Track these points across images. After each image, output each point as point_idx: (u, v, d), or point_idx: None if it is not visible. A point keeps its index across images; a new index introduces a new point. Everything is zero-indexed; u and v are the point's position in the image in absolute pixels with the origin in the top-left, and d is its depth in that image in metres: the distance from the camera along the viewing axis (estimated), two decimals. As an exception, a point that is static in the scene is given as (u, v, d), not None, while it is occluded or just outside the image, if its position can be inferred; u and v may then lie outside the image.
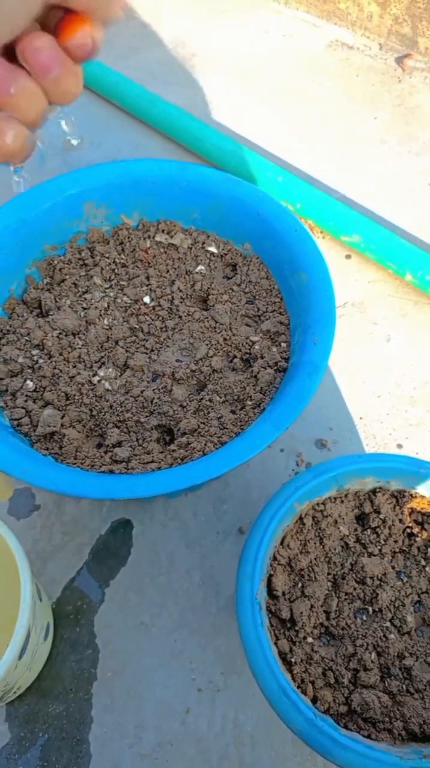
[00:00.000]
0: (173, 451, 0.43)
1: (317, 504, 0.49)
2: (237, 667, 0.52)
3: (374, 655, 0.44)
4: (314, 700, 0.42)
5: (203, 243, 0.54)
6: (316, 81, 0.95)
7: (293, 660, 0.43)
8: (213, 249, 0.54)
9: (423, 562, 0.48)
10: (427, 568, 0.48)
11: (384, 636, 0.44)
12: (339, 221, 0.75)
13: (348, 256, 0.77)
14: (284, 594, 0.46)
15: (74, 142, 0.86)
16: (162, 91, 0.89)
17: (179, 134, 0.84)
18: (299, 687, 0.42)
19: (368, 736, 0.40)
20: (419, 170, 0.84)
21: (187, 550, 0.58)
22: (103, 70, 0.90)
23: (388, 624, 0.45)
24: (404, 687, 0.43)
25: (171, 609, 0.55)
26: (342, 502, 0.49)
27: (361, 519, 0.50)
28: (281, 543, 0.47)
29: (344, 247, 0.77)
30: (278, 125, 0.89)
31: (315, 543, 0.48)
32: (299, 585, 0.46)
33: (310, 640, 0.44)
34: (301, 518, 0.48)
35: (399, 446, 0.64)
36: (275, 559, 0.46)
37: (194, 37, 1.02)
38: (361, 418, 0.65)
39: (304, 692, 0.42)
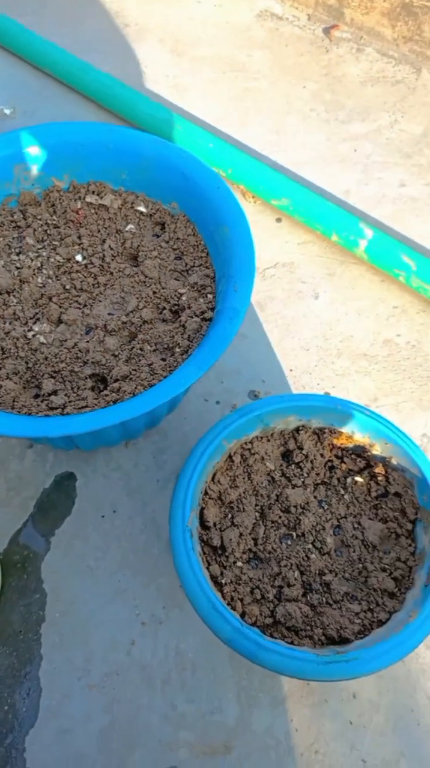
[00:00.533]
0: (106, 395, 0.46)
1: (245, 443, 0.52)
2: (178, 601, 0.56)
3: (297, 573, 0.48)
4: (243, 615, 0.46)
5: (133, 203, 0.57)
6: (247, 51, 0.97)
7: (223, 582, 0.47)
8: (142, 209, 0.56)
9: (342, 492, 0.52)
10: (345, 497, 0.52)
11: (306, 556, 0.49)
12: (269, 185, 0.78)
13: (279, 220, 0.81)
14: (215, 524, 0.49)
15: (7, 111, 0.86)
16: (96, 61, 0.90)
17: (113, 103, 0.85)
18: (229, 604, 0.46)
19: (292, 643, 0.45)
20: (345, 137, 0.88)
21: (128, 499, 0.61)
22: (37, 40, 0.90)
23: (310, 546, 0.49)
24: (324, 599, 0.47)
25: (115, 552, 0.58)
26: (268, 440, 0.53)
27: (286, 456, 0.54)
28: (212, 479, 0.51)
29: (275, 211, 0.81)
30: (210, 94, 0.91)
31: (243, 478, 0.51)
32: (229, 516, 0.50)
33: (239, 564, 0.48)
34: (230, 456, 0.52)
35: (326, 394, 0.68)
36: (206, 493, 0.50)
37: (128, 7, 1.02)
38: (291, 370, 0.70)
39: (233, 608, 0.46)
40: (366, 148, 0.87)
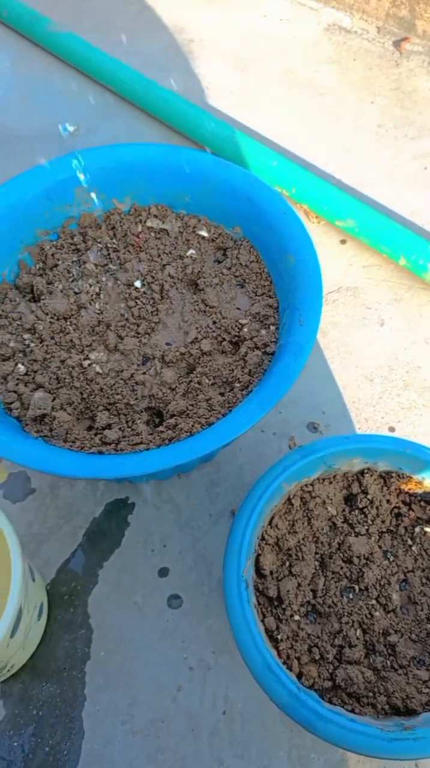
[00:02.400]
0: (161, 432, 0.44)
1: (306, 485, 0.49)
2: (228, 647, 0.53)
3: (359, 632, 0.44)
4: (300, 676, 0.42)
5: (194, 227, 0.55)
6: (314, 65, 0.94)
7: (279, 637, 0.44)
8: (204, 233, 0.54)
9: (409, 542, 0.48)
10: (413, 548, 0.48)
11: (369, 614, 0.45)
12: (334, 206, 0.75)
13: (343, 241, 0.77)
14: (271, 573, 0.46)
15: (71, 128, 0.86)
16: (159, 77, 0.89)
17: (176, 120, 0.84)
18: (284, 663, 0.43)
19: (352, 711, 0.41)
20: (415, 155, 0.84)
21: (179, 532, 0.58)
22: (100, 56, 0.90)
23: (373, 602, 0.46)
24: (388, 663, 0.43)
25: (163, 589, 0.56)
26: (330, 483, 0.50)
27: (349, 500, 0.51)
28: (270, 523, 0.48)
29: (339, 232, 0.77)
30: (275, 110, 0.89)
31: (303, 523, 0.48)
32: (287, 564, 0.47)
33: (296, 617, 0.45)
34: (289, 499, 0.49)
35: (391, 429, 0.64)
36: (263, 539, 0.47)
37: (192, 22, 1.01)
38: (353, 402, 0.66)
39: (289, 668, 0.42)
40: (438, 166, 0.83)
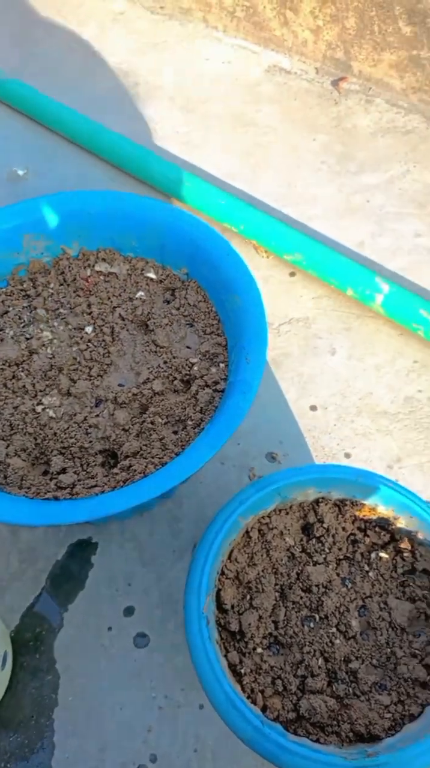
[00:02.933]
0: (116, 474, 0.44)
1: (263, 517, 0.50)
2: (196, 683, 0.53)
3: (321, 660, 0.45)
4: (264, 709, 0.43)
5: (142, 269, 0.56)
6: (256, 105, 0.98)
7: (242, 671, 0.44)
8: (152, 275, 0.56)
9: (366, 568, 0.50)
10: (370, 573, 0.49)
11: (330, 642, 0.46)
12: (281, 241, 0.77)
13: (292, 274, 0.80)
14: (233, 607, 0.47)
15: (20, 172, 0.87)
16: (107, 121, 0.91)
17: (124, 162, 0.86)
18: (248, 697, 0.43)
19: (317, 740, 0.42)
20: (357, 189, 0.88)
21: (144, 570, 0.58)
22: (47, 101, 0.91)
23: (334, 630, 0.47)
24: (350, 690, 0.44)
25: (129, 629, 0.56)
26: (287, 513, 0.51)
27: (306, 529, 0.52)
28: (229, 557, 0.48)
29: (288, 266, 0.80)
30: (221, 150, 0.92)
31: (262, 555, 0.49)
32: (248, 597, 0.48)
33: (259, 650, 0.45)
34: (247, 532, 0.49)
35: (347, 455, 0.66)
36: (223, 573, 0.48)
37: (138, 67, 1.04)
38: (309, 430, 0.67)
39: (254, 702, 0.43)
40: (379, 199, 0.86)
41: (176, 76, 1.03)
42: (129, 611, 0.56)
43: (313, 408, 0.69)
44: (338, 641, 0.46)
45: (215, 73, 1.03)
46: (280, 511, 0.51)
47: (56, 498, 0.43)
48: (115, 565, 0.59)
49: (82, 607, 0.57)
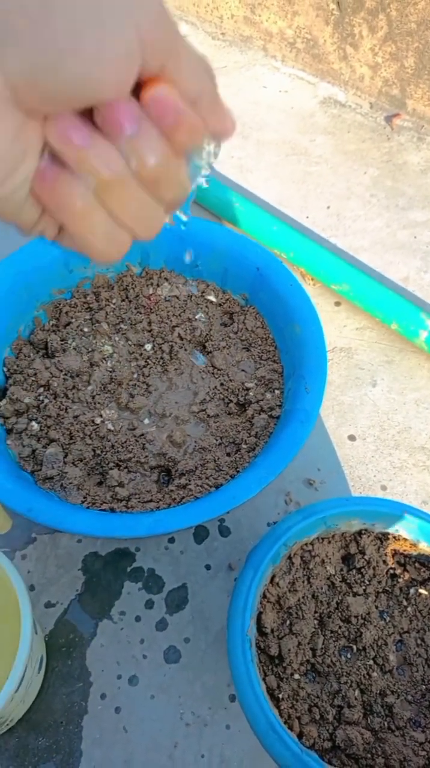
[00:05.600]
0: (171, 491, 0.46)
1: (306, 544, 0.51)
2: (224, 702, 0.54)
3: (357, 692, 0.46)
4: (300, 736, 0.43)
5: (203, 292, 0.58)
6: (310, 135, 1.00)
7: (280, 696, 0.45)
8: (212, 298, 0.57)
9: (405, 603, 0.50)
10: (408, 609, 0.50)
11: (367, 674, 0.46)
12: (329, 270, 0.78)
13: (337, 303, 0.81)
14: (272, 631, 0.48)
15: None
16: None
17: (179, 182, 0.88)
18: (286, 722, 0.44)
19: (351, 772, 0.42)
20: (405, 224, 0.89)
21: (178, 584, 0.59)
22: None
23: (371, 662, 0.47)
24: (385, 724, 0.45)
25: (161, 643, 0.56)
26: (329, 542, 0.52)
27: (347, 559, 0.52)
28: (271, 581, 0.49)
29: (334, 295, 0.81)
30: (273, 177, 0.94)
31: (303, 582, 0.50)
32: (287, 622, 0.48)
33: (297, 676, 0.46)
34: (290, 557, 0.50)
35: (383, 488, 0.67)
36: (264, 597, 0.48)
37: (195, 89, 1.07)
38: (347, 459, 0.68)
39: (290, 728, 0.43)
40: (426, 236, 0.88)
41: (233, 101, 1.05)
42: (162, 625, 0.57)
43: (351, 438, 0.70)
44: (375, 674, 0.46)
45: (272, 100, 1.05)
46: (322, 539, 0.52)
47: (112, 510, 0.44)
48: (150, 578, 0.60)
49: (116, 616, 0.58)
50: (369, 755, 0.43)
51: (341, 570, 0.52)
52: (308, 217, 0.89)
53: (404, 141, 1.00)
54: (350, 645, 0.48)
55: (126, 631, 0.57)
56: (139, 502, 0.45)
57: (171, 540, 0.62)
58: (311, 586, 0.50)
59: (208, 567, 0.61)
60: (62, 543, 0.61)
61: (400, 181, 0.94)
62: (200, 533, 0.62)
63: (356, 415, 0.72)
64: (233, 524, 0.63)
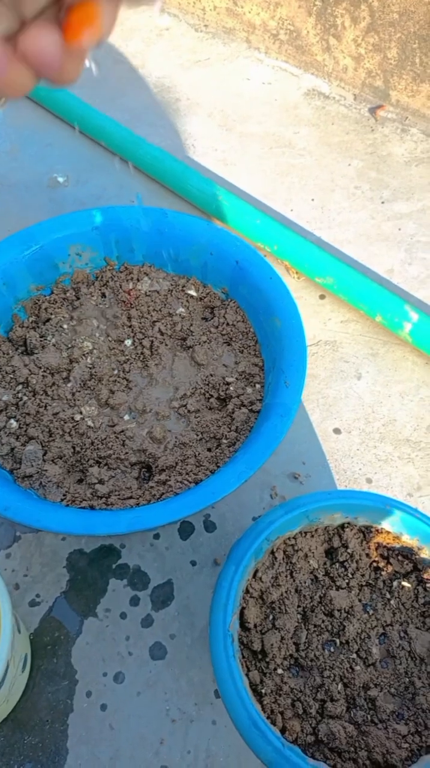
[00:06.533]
0: (152, 488, 0.45)
1: (289, 538, 0.51)
2: (210, 698, 0.54)
3: (340, 686, 0.46)
4: (283, 731, 0.43)
5: (183, 286, 0.57)
6: (294, 127, 1.00)
7: (263, 691, 0.45)
8: (192, 292, 0.57)
9: (388, 596, 0.50)
10: (391, 602, 0.50)
11: (350, 667, 0.46)
12: (314, 263, 0.78)
13: (322, 297, 0.81)
14: (255, 626, 0.47)
15: (61, 179, 0.89)
16: (147, 134, 0.93)
17: (162, 176, 0.87)
18: (268, 717, 0.44)
19: (334, 766, 0.42)
20: (390, 216, 0.89)
21: (163, 581, 0.59)
22: (91, 112, 0.93)
23: (354, 656, 0.47)
24: (368, 717, 0.45)
25: (147, 640, 0.56)
26: (312, 536, 0.52)
27: (330, 553, 0.52)
28: (254, 576, 0.49)
29: (319, 288, 0.81)
30: (257, 170, 0.93)
31: (286, 576, 0.50)
32: (270, 617, 0.48)
33: (280, 671, 0.46)
34: (273, 552, 0.50)
35: (369, 481, 0.67)
36: (247, 592, 0.48)
37: (179, 82, 1.06)
38: (332, 453, 0.68)
39: (273, 723, 0.43)
40: (410, 227, 0.87)
41: (217, 93, 1.04)
42: (148, 622, 0.57)
43: (336, 431, 0.70)
44: (358, 668, 0.46)
45: (255, 93, 1.05)
46: (305, 533, 0.51)
47: (92, 507, 0.44)
48: (135, 575, 0.59)
49: (101, 613, 0.57)
50: (352, 749, 0.43)
51: (325, 564, 0.52)
52: (292, 210, 0.89)
53: (388, 132, 1.00)
54: (334, 639, 0.48)
55: (111, 628, 0.57)
56: (119, 498, 0.44)
57: (156, 536, 0.62)
58: (294, 581, 0.50)
59: (193, 563, 0.60)
60: (47, 541, 0.61)
61: (384, 172, 0.94)
62: (186, 529, 0.62)
63: (341, 408, 0.71)
64: (219, 519, 0.63)
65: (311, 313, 0.79)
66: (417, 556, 0.51)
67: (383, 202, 0.91)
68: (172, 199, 0.88)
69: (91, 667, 0.55)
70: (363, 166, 0.95)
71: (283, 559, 0.50)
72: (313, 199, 0.90)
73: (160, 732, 0.52)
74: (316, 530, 0.52)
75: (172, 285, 0.57)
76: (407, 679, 0.47)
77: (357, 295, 0.76)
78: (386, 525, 0.51)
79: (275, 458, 0.67)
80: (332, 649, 0.48)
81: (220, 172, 0.92)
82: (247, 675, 0.45)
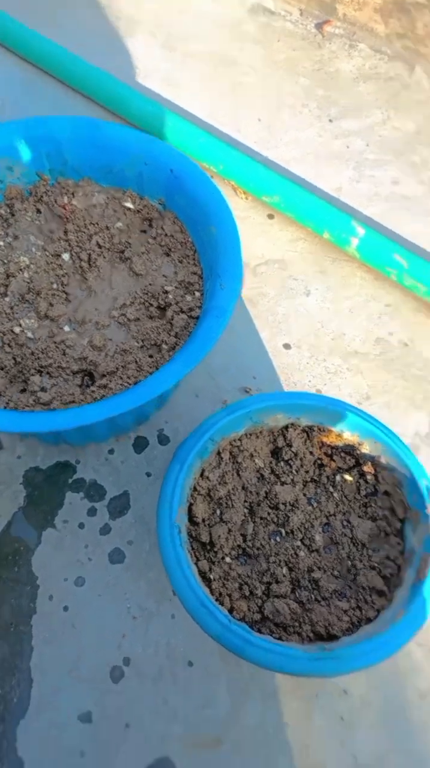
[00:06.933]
0: (93, 392, 0.46)
1: (234, 440, 0.53)
2: (168, 594, 0.56)
3: (285, 569, 0.48)
4: (231, 611, 0.46)
5: (120, 199, 0.57)
6: (239, 45, 0.97)
7: (212, 577, 0.47)
8: (129, 205, 0.56)
9: (331, 490, 0.53)
10: (335, 495, 0.52)
11: (295, 554, 0.49)
12: (260, 182, 0.78)
13: (270, 216, 0.81)
14: (203, 521, 0.50)
15: (-2, 106, 0.86)
16: (86, 54, 0.89)
17: (103, 97, 0.85)
18: (217, 600, 0.46)
19: (279, 638, 0.45)
20: (338, 134, 0.88)
21: (119, 493, 0.61)
22: (25, 32, 0.89)
23: (299, 543, 0.50)
24: (312, 596, 0.48)
25: (105, 546, 0.58)
26: (257, 437, 0.53)
27: (275, 453, 0.54)
28: (201, 476, 0.51)
29: (267, 207, 0.81)
30: (201, 89, 0.91)
31: (232, 475, 0.52)
32: (218, 512, 0.50)
33: (228, 560, 0.48)
34: (219, 453, 0.52)
35: (318, 392, 0.68)
36: (195, 490, 0.50)
37: (120, 1, 1.02)
38: (283, 367, 0.70)
39: (222, 604, 0.46)
40: (358, 145, 0.87)
41: (158, 11, 1.00)
42: (105, 530, 0.59)
43: (286, 346, 0.71)
44: (302, 553, 0.49)
45: (198, 10, 1.01)
46: (250, 435, 0.53)
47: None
48: (92, 488, 0.61)
49: (59, 525, 0.59)
50: (297, 624, 0.46)
51: (270, 463, 0.54)
52: (239, 131, 0.88)
53: (335, 49, 0.98)
54: (279, 529, 0.51)
55: (70, 537, 0.59)
56: (61, 404, 0.45)
57: (111, 451, 0.63)
58: (240, 479, 0.52)
59: (148, 474, 0.62)
60: (2, 459, 0.62)
61: (332, 89, 0.93)
62: (140, 443, 0.64)
63: (291, 324, 0.73)
64: (172, 433, 0.64)
65: (260, 233, 0.79)
66: (358, 452, 0.53)
67: (331, 120, 0.90)
68: (114, 120, 0.86)
69: (51, 573, 0.57)
70: (310, 84, 0.93)
71: (229, 459, 0.52)
72: (260, 119, 0.89)
73: (122, 628, 0.55)
74: (261, 432, 0.54)
75: (108, 198, 0.57)
76: (349, 563, 0.49)
77: (304, 213, 0.76)
78: (327, 424, 0.53)
79: (226, 374, 0.69)
80: (277, 539, 0.50)
81: (164, 93, 0.90)
82: (196, 564, 0.47)
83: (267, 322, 0.73)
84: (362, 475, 0.53)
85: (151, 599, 0.56)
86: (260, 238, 0.78)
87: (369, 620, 0.47)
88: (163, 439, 0.64)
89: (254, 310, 0.73)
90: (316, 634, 0.46)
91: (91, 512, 0.60)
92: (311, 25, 1.00)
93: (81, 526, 0.59)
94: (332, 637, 0.46)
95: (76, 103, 0.88)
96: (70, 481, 0.61)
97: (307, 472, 0.53)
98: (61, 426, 0.40)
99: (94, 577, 0.57)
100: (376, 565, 0.49)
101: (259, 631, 0.46)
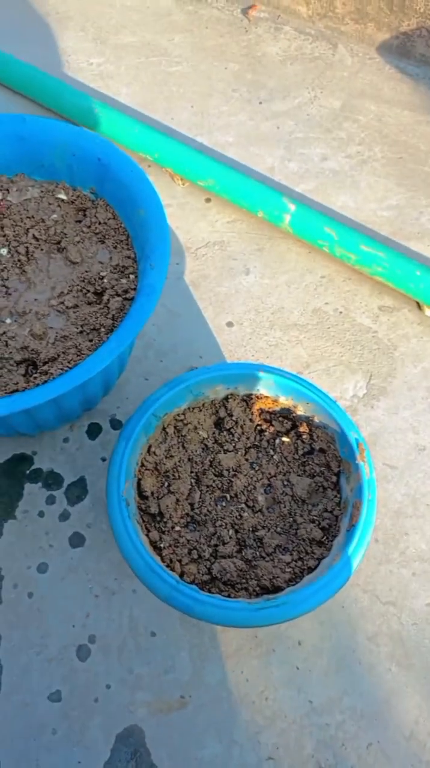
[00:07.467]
0: (35, 378, 0.48)
1: (178, 414, 0.55)
2: (129, 572, 0.58)
3: (231, 531, 0.51)
4: (182, 575, 0.49)
5: (53, 192, 0.58)
6: (168, 35, 0.98)
7: (162, 546, 0.49)
8: (63, 196, 0.58)
9: (271, 453, 0.55)
10: (275, 457, 0.55)
11: (239, 515, 0.52)
12: (195, 167, 0.80)
13: (208, 200, 0.83)
14: (152, 494, 0.52)
15: None
16: (17, 51, 0.90)
17: (36, 93, 0.86)
18: (168, 566, 0.49)
19: (228, 596, 0.48)
20: (268, 116, 0.90)
21: (76, 479, 0.63)
22: None
23: (242, 505, 0.52)
24: (257, 554, 0.50)
25: (65, 531, 0.60)
26: (200, 410, 0.56)
27: (218, 424, 0.57)
28: (148, 452, 0.53)
29: (204, 192, 0.83)
30: (134, 81, 0.93)
31: (178, 448, 0.54)
32: (166, 484, 0.53)
33: (177, 528, 0.51)
34: (164, 428, 0.54)
35: (249, 362, 0.71)
36: (143, 465, 0.52)
37: (46, -4, 1.02)
38: (226, 344, 0.72)
39: (172, 569, 0.48)
40: (288, 125, 0.90)
41: (87, 5, 1.01)
42: (65, 516, 0.61)
43: (229, 324, 0.74)
44: (246, 514, 0.52)
45: (127, 2, 1.02)
46: (193, 408, 0.56)
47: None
48: (49, 476, 0.63)
49: (20, 516, 0.61)
50: (243, 580, 0.49)
51: (214, 433, 0.56)
52: (172, 119, 0.89)
53: (262, 32, 1.00)
54: (224, 495, 0.53)
55: (31, 526, 0.60)
56: (5, 392, 0.47)
57: (66, 440, 0.65)
58: (186, 451, 0.54)
59: (103, 459, 0.64)
60: (-42, 457, 0.63)
61: (260, 73, 0.95)
62: (93, 430, 0.66)
63: (233, 303, 0.75)
64: (124, 417, 0.66)
65: (199, 217, 0.81)
66: (294, 414, 0.56)
67: (260, 103, 0.92)
68: (48, 116, 0.87)
69: (15, 563, 0.59)
70: (239, 69, 0.95)
71: (174, 433, 0.54)
72: (192, 106, 0.91)
73: (86, 607, 0.57)
74: (203, 405, 0.56)
75: (42, 191, 0.58)
76: (291, 519, 0.52)
77: (238, 194, 0.79)
78: (263, 390, 0.56)
79: (174, 355, 0.71)
80: (223, 504, 0.53)
81: (97, 86, 0.91)
82: (147, 535, 0.50)
83: (210, 303, 0.75)
84: (299, 436, 0.56)
85: (112, 577, 0.58)
86: (200, 222, 0.81)
87: (311, 569, 0.50)
88: (115, 424, 0.66)
89: (197, 292, 0.76)
90: (262, 588, 0.49)
91: (50, 500, 0.62)
92: (237, 11, 1.02)
93: (41, 514, 0.61)
94: (277, 589, 0.49)
95: (9, 100, 0.89)
96: (27, 472, 0.63)
97: (248, 438, 0.56)
98: (5, 411, 0.42)
99: (57, 562, 0.59)
100: (315, 518, 0.52)
101: (208, 591, 0.48)
